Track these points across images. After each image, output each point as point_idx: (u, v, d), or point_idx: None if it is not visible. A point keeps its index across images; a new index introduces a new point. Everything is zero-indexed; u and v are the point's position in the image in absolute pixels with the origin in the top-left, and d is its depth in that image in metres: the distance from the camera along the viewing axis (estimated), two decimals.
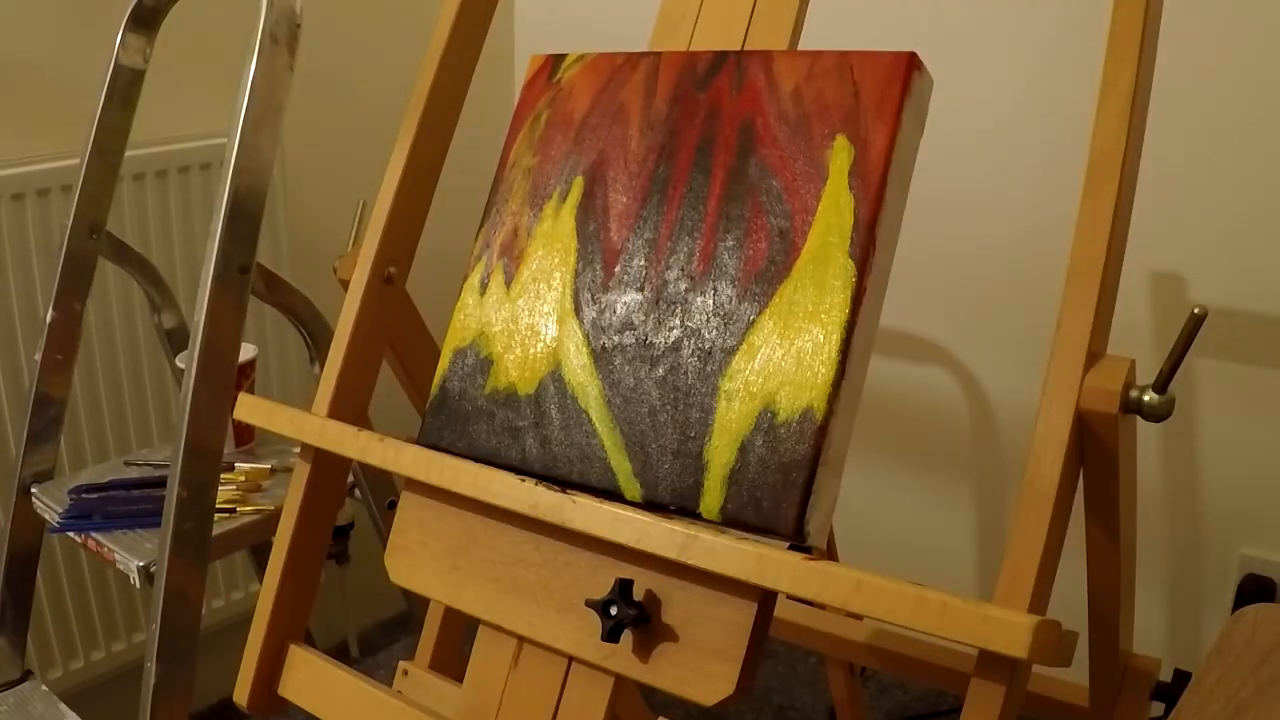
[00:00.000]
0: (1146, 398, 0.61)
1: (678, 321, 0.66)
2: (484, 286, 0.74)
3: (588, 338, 0.68)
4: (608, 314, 0.68)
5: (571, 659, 0.67)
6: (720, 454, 0.62)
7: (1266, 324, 1.21)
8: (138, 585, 0.97)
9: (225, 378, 0.87)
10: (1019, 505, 0.60)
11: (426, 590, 0.73)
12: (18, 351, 1.19)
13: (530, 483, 0.66)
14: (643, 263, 0.68)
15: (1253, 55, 1.16)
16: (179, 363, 1.20)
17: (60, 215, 1.17)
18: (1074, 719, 0.96)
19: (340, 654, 1.37)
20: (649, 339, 0.66)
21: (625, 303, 0.68)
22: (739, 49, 0.72)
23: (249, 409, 0.84)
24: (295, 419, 0.81)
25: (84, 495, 1.09)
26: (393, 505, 1.10)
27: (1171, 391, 0.61)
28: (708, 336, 0.64)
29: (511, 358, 0.71)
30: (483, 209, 0.76)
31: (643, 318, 0.67)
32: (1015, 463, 1.43)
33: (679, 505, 0.63)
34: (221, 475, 0.96)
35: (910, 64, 0.63)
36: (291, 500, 0.83)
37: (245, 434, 1.18)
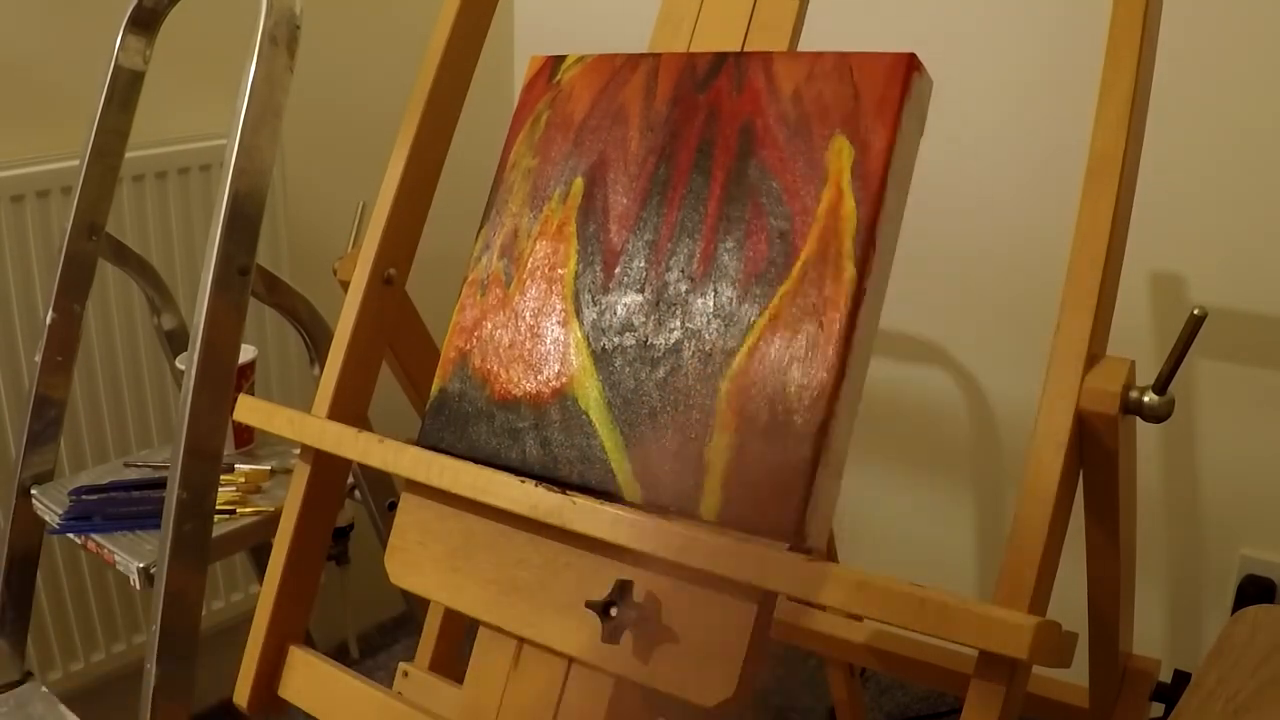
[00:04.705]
0: (1146, 399, 0.61)
1: (678, 323, 0.66)
2: (484, 287, 0.74)
3: (588, 339, 0.68)
4: (608, 315, 0.68)
5: (571, 660, 0.67)
6: (720, 456, 0.62)
7: (1266, 325, 1.21)
8: (138, 587, 0.97)
9: (225, 379, 0.87)
10: (1019, 505, 0.60)
11: (426, 591, 0.73)
12: (18, 353, 1.19)
13: (530, 484, 0.66)
14: (643, 264, 0.68)
15: (1253, 56, 1.16)
16: (179, 364, 1.20)
17: (60, 216, 1.17)
18: None
19: (340, 655, 1.37)
20: (649, 340, 0.66)
21: (625, 304, 0.68)
22: (739, 50, 0.72)
23: (249, 410, 0.84)
24: (295, 420, 0.81)
25: (84, 497, 1.09)
26: (393, 507, 1.10)
27: (1171, 392, 0.61)
28: (708, 338, 0.64)
29: (511, 359, 0.71)
30: (483, 210, 0.76)
31: (643, 319, 0.67)
32: (1015, 463, 1.43)
33: (679, 507, 0.63)
34: (221, 477, 0.96)
35: (910, 65, 0.63)
36: (291, 502, 0.83)
37: (245, 435, 1.18)
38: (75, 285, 1.06)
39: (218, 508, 0.92)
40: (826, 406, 0.60)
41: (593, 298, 0.69)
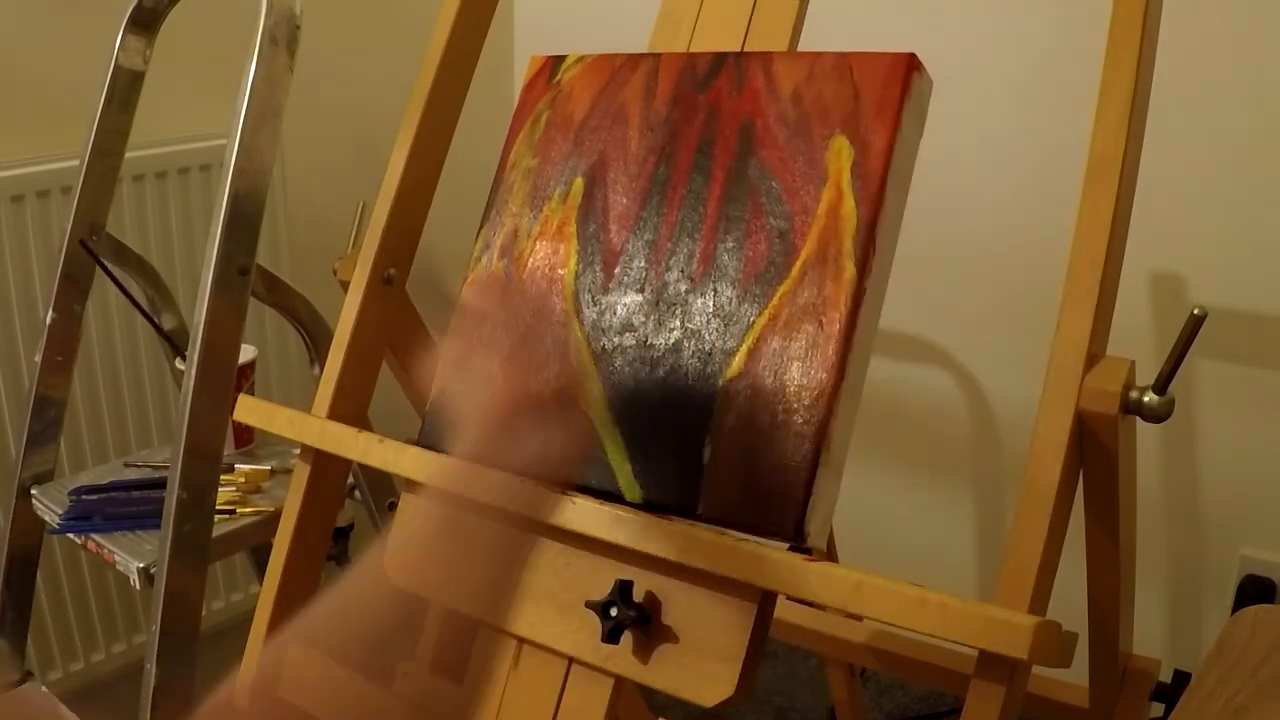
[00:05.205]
0: (1146, 399, 0.61)
1: (678, 323, 0.66)
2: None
3: (588, 339, 0.68)
4: (608, 315, 0.68)
5: (571, 660, 0.67)
6: (720, 455, 0.62)
7: (1266, 325, 1.21)
8: (138, 587, 0.97)
9: (225, 379, 0.87)
10: (1019, 505, 0.60)
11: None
12: (18, 352, 1.19)
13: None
14: (643, 264, 0.68)
15: (1253, 56, 1.16)
16: (179, 364, 1.20)
17: (60, 216, 1.17)
18: None
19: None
20: (649, 340, 0.66)
21: (625, 304, 0.68)
22: (739, 50, 0.72)
23: (249, 410, 0.84)
24: (295, 420, 0.81)
25: (84, 497, 1.09)
26: (393, 506, 1.10)
27: (1171, 392, 0.61)
28: (708, 338, 0.64)
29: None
30: (483, 210, 0.76)
31: (643, 319, 0.67)
32: (1015, 463, 1.43)
33: (679, 506, 0.63)
34: (221, 477, 0.96)
35: (910, 65, 0.63)
36: (291, 502, 0.83)
37: (245, 435, 1.18)
38: (75, 285, 1.06)
39: (218, 508, 0.92)
40: (826, 406, 0.60)
41: (593, 298, 0.69)
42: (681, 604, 0.62)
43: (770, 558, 0.58)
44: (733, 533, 0.60)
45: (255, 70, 0.84)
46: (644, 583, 0.63)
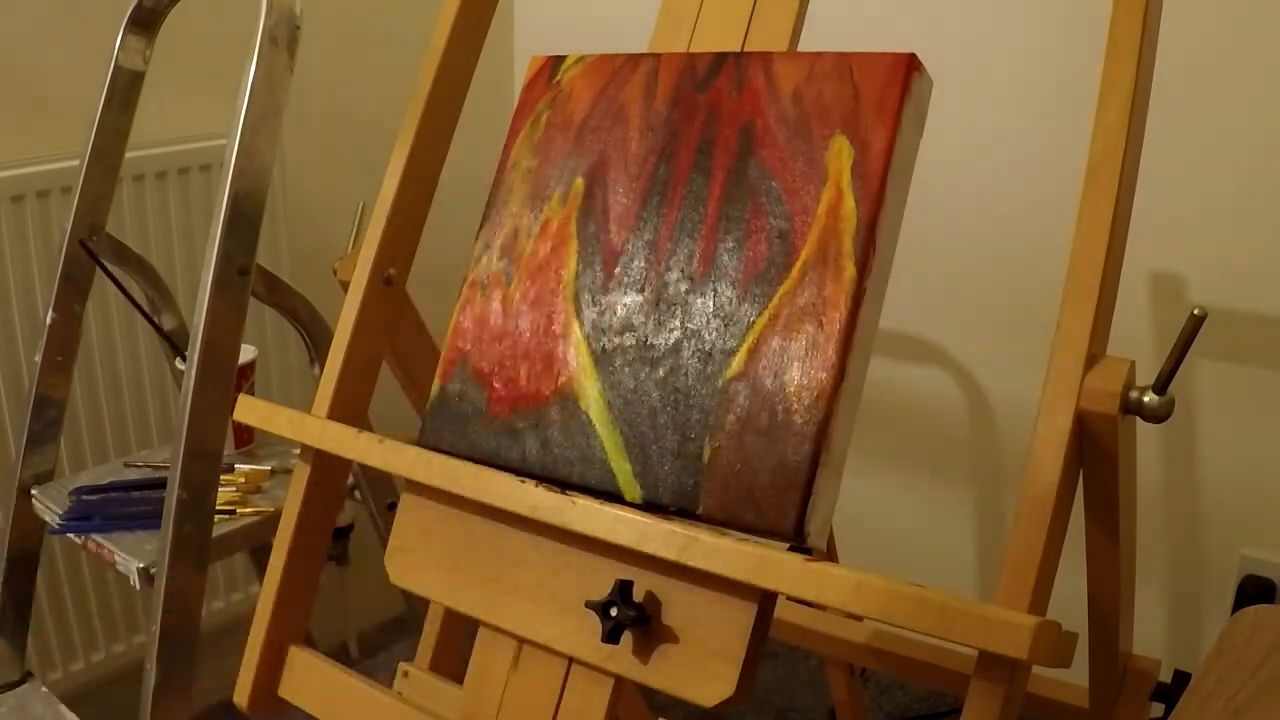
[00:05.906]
0: (1146, 399, 0.61)
1: (678, 323, 0.66)
2: (484, 288, 0.74)
3: (588, 339, 0.68)
4: (608, 315, 0.68)
5: (571, 660, 0.67)
6: (720, 455, 0.62)
7: (1267, 325, 1.21)
8: (138, 587, 0.97)
9: (225, 379, 0.87)
10: (1019, 506, 0.60)
11: (426, 591, 0.73)
12: (18, 352, 1.19)
13: (530, 484, 0.66)
14: (643, 264, 0.68)
15: (1253, 55, 1.16)
16: (179, 364, 1.20)
17: (60, 216, 1.17)
18: None
19: (340, 655, 1.37)
20: (649, 340, 0.66)
21: (625, 304, 0.68)
22: (739, 50, 0.72)
23: (249, 410, 0.84)
24: (295, 420, 0.81)
25: (84, 497, 1.09)
26: (393, 507, 1.10)
27: (1171, 392, 0.61)
28: (708, 338, 0.64)
29: (511, 359, 0.71)
30: (483, 210, 0.76)
31: (643, 319, 0.67)
32: (1015, 463, 1.43)
33: (679, 506, 0.63)
34: (221, 477, 0.96)
35: (910, 65, 0.63)
36: (291, 502, 0.83)
37: (245, 435, 1.18)
38: (75, 285, 1.07)
39: (218, 508, 0.92)
40: (826, 406, 0.60)
41: (593, 298, 0.69)
42: (681, 604, 0.62)
43: (770, 558, 0.58)
44: (733, 533, 0.60)
45: (255, 70, 0.84)
46: (644, 583, 0.63)
